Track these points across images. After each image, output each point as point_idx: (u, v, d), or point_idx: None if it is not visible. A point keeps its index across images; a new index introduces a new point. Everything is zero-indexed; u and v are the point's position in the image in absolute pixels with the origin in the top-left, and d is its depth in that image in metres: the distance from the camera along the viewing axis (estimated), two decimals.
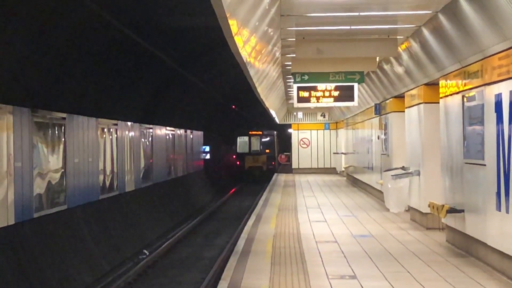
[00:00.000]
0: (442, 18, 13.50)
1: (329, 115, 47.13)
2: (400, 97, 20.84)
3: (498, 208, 11.36)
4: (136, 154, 27.25)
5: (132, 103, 26.26)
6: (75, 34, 17.42)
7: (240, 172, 54.79)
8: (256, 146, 55.09)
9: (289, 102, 38.81)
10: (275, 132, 56.58)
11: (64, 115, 18.81)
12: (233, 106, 53.56)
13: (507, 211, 11.03)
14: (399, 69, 19.01)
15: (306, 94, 23.30)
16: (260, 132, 55.39)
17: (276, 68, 23.42)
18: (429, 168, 17.27)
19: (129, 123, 26.10)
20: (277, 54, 20.04)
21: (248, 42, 14.44)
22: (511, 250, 11.07)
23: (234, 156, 55.69)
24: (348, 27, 15.83)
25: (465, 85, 13.28)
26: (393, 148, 22.02)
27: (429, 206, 15.74)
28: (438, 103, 15.51)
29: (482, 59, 12.10)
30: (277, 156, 57.68)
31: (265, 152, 55.04)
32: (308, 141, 47.64)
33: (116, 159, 24.15)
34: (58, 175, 18.37)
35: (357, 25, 15.68)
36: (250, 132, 55.38)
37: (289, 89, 32.92)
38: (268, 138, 56.01)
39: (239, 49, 13.55)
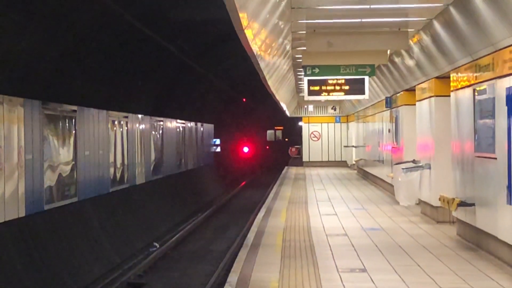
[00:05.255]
0: (453, 11, 13.44)
1: (340, 108, 46.98)
2: (411, 90, 20.77)
3: (509, 201, 11.32)
4: (147, 146, 27.28)
5: (143, 95, 26.28)
6: (86, 27, 17.44)
7: (268, 154, 70.62)
8: (279, 136, 72.69)
9: (300, 95, 38.66)
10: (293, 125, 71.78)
11: (74, 107, 18.85)
12: (244, 99, 53.61)
13: None
14: (410, 62, 18.95)
15: (316, 87, 23.22)
16: (282, 127, 71.52)
17: (286, 61, 23.35)
18: (440, 161, 17.22)
19: (139, 116, 26.13)
20: (288, 47, 19.99)
21: (258, 35, 14.40)
22: None
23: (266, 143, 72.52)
24: (359, 20, 15.78)
25: (476, 78, 13.23)
26: (404, 141, 21.97)
27: (439, 199, 15.70)
28: (449, 96, 15.45)
29: (493, 52, 12.05)
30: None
31: (285, 140, 70.26)
32: (319, 134, 47.53)
33: (126, 152, 24.19)
34: (68, 168, 18.42)
35: (368, 18, 15.62)
36: (275, 127, 72.27)
37: (299, 82, 32.83)
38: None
39: (250, 42, 13.50)
